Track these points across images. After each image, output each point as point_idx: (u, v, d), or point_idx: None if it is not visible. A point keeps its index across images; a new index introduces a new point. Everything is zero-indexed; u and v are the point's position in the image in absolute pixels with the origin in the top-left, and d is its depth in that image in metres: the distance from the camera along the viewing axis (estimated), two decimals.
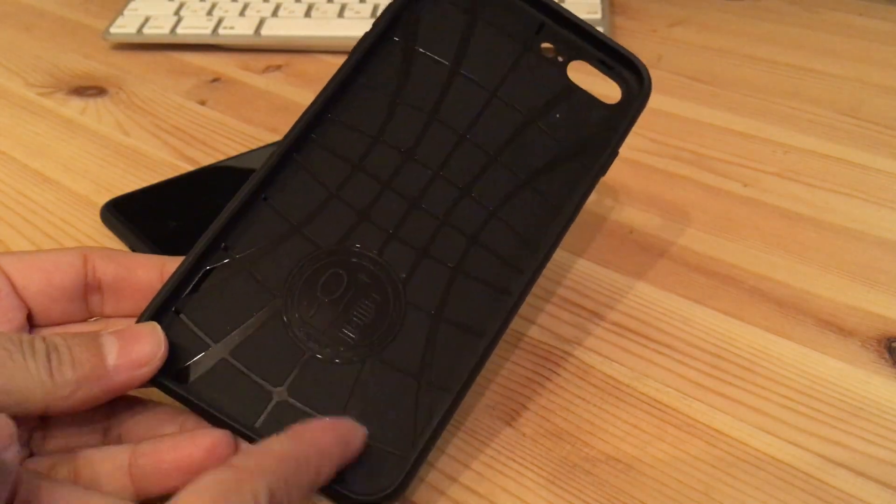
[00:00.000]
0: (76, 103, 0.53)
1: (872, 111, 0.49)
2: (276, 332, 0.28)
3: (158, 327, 0.26)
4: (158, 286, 0.28)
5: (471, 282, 0.29)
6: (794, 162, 0.45)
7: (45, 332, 0.28)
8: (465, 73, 0.31)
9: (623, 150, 0.46)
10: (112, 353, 0.25)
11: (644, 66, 0.31)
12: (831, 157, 0.45)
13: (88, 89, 0.54)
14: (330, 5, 0.61)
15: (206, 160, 0.46)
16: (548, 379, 0.32)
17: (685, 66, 0.54)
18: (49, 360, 0.24)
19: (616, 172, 0.44)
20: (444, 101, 0.31)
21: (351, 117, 0.30)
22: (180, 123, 0.50)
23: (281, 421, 0.26)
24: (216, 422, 0.26)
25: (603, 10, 0.58)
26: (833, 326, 0.34)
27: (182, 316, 0.28)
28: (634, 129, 0.48)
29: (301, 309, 0.28)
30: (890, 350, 0.33)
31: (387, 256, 0.29)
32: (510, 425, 0.30)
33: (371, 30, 0.31)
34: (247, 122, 0.50)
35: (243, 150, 0.47)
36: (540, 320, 0.35)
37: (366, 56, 0.31)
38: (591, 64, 0.32)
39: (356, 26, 0.58)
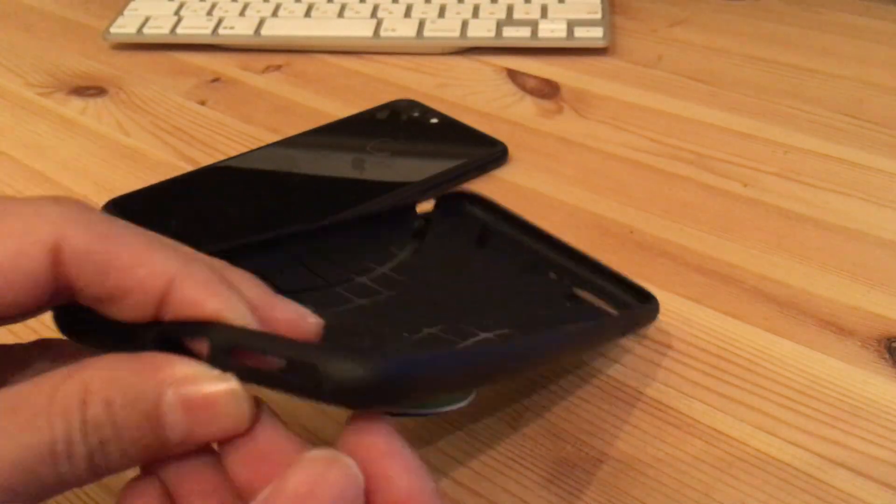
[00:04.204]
0: (76, 103, 0.53)
1: (872, 111, 0.49)
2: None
3: (240, 390, 0.19)
4: (160, 300, 0.20)
5: None
6: (794, 162, 0.45)
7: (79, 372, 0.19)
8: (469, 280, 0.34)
9: (623, 150, 0.46)
10: (176, 430, 0.19)
11: (652, 296, 0.33)
12: (831, 157, 0.45)
13: (88, 89, 0.54)
14: (330, 5, 0.61)
15: (206, 160, 0.46)
16: (548, 379, 0.32)
17: (685, 66, 0.54)
18: (92, 461, 0.18)
19: (616, 172, 0.44)
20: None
21: None
22: (180, 123, 0.50)
23: None
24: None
25: (603, 10, 0.58)
26: (833, 326, 0.34)
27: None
28: (634, 129, 0.48)
29: None
30: (890, 350, 0.33)
31: None
32: (510, 425, 0.30)
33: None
34: (247, 122, 0.50)
35: (243, 150, 0.46)
36: None
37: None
38: (591, 292, 0.34)
39: (356, 26, 0.58)
